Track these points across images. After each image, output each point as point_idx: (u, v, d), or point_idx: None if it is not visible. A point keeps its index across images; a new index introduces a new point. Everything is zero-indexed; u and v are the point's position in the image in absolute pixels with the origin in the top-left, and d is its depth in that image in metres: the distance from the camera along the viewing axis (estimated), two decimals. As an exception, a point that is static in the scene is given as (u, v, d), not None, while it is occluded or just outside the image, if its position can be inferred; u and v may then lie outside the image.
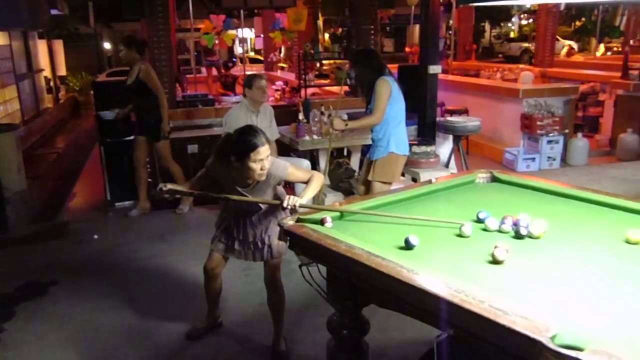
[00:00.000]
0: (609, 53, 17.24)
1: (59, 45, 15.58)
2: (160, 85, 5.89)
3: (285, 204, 2.82)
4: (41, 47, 13.60)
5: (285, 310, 3.48)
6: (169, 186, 3.06)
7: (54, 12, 12.34)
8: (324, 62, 12.03)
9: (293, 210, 2.81)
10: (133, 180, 6.23)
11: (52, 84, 14.67)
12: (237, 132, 2.97)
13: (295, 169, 3.16)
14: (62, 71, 15.84)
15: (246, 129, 2.97)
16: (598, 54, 16.74)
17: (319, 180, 3.11)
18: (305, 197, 2.92)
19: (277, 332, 3.46)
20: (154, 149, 6.12)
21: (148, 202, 6.27)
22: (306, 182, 3.10)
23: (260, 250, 3.28)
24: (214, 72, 13.92)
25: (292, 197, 2.85)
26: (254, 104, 4.78)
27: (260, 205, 3.16)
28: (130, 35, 6.38)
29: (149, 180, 6.53)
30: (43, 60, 13.70)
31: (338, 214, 2.69)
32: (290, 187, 5.56)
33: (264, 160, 2.89)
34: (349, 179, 5.75)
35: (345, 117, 5.72)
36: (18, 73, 10.41)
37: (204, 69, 14.66)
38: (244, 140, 2.87)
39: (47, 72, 14.02)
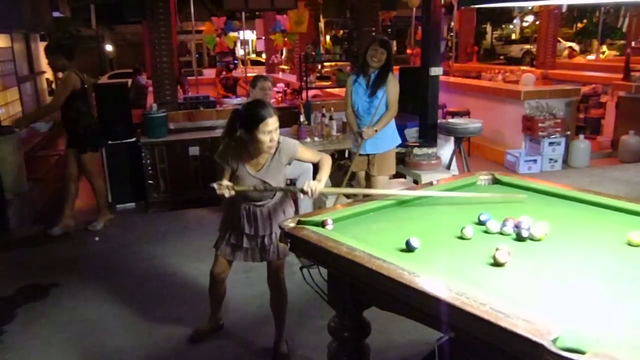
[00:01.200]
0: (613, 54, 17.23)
1: (60, 48, 15.60)
2: (62, 95, 5.37)
3: (305, 188, 2.80)
4: (43, 49, 13.61)
5: (287, 311, 3.47)
6: (226, 182, 2.92)
7: (56, 14, 12.37)
8: (325, 64, 12.07)
9: (312, 196, 2.82)
10: (134, 182, 6.21)
11: (53, 86, 14.68)
12: (245, 106, 3.00)
13: (304, 148, 3.17)
14: (63, 73, 15.86)
15: (254, 102, 3.00)
16: (602, 56, 16.73)
17: (329, 162, 3.12)
18: (323, 180, 2.92)
19: (278, 334, 3.45)
20: (80, 158, 5.63)
21: (72, 220, 5.87)
22: (316, 163, 3.11)
23: (267, 250, 3.24)
24: (224, 73, 13.92)
25: (312, 182, 2.84)
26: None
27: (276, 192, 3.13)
28: (56, 40, 5.93)
29: (150, 182, 6.53)
30: (45, 62, 13.71)
31: (339, 215, 2.67)
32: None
33: (273, 132, 2.91)
34: (350, 181, 5.74)
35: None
36: (20, 75, 10.41)
37: (205, 71, 14.67)
38: (253, 113, 2.89)
39: (48, 74, 14.04)
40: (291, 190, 3.12)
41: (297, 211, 3.23)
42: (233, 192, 2.90)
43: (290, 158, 3.09)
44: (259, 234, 3.21)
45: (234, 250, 3.33)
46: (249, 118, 2.90)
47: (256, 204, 3.18)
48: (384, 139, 4.70)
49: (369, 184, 4.88)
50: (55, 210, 6.92)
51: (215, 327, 3.72)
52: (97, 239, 5.59)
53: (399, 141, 4.92)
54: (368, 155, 4.77)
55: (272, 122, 2.89)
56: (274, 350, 3.44)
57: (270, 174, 3.07)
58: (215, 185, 2.88)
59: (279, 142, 3.01)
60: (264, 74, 8.67)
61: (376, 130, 4.59)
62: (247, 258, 3.32)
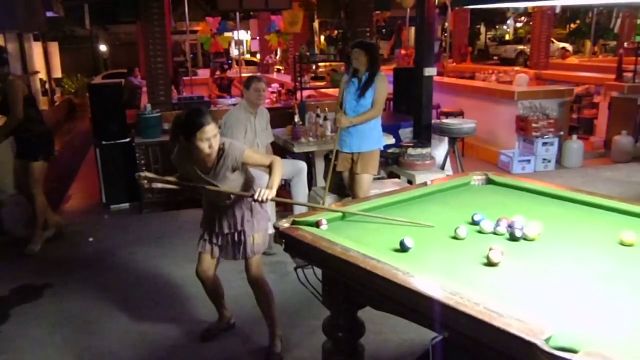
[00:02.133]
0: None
1: (54, 47, 15.57)
2: (18, 102, 4.89)
3: (256, 196, 2.84)
4: (36, 49, 13.59)
5: (276, 309, 3.47)
6: (145, 173, 3.14)
7: (49, 14, 12.33)
8: (319, 64, 12.07)
9: (262, 203, 2.88)
10: (128, 182, 6.13)
11: (47, 86, 14.65)
12: (184, 114, 3.05)
13: (252, 152, 3.22)
14: (57, 73, 15.84)
15: (193, 110, 3.04)
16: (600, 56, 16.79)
17: (280, 165, 3.13)
18: (274, 186, 2.93)
19: (271, 332, 3.45)
20: (29, 167, 5.20)
21: (51, 230, 5.54)
22: (267, 166, 3.12)
23: (238, 247, 3.30)
24: (218, 73, 13.89)
25: (263, 189, 2.86)
26: (251, 106, 4.83)
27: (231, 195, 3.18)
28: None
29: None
30: (38, 62, 13.69)
31: (334, 216, 2.69)
32: (285, 190, 5.56)
33: (211, 138, 2.95)
34: (342, 181, 5.75)
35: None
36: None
37: (200, 71, 14.63)
38: (190, 121, 2.95)
39: (42, 74, 14.01)
40: (242, 195, 3.13)
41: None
42: (158, 185, 3.18)
43: (235, 162, 3.10)
44: (223, 232, 3.28)
45: (211, 247, 3.39)
46: (187, 126, 2.96)
47: (218, 204, 3.26)
48: (368, 139, 4.74)
49: (353, 183, 4.92)
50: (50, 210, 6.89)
51: (225, 326, 3.74)
52: (91, 239, 5.57)
53: (383, 144, 4.97)
54: (352, 154, 4.80)
55: (210, 130, 2.93)
56: (268, 349, 3.44)
57: (220, 177, 3.12)
58: (136, 175, 3.15)
59: (223, 148, 3.05)
60: (258, 74, 8.66)
61: (352, 122, 4.63)
62: (224, 254, 3.40)
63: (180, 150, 3.15)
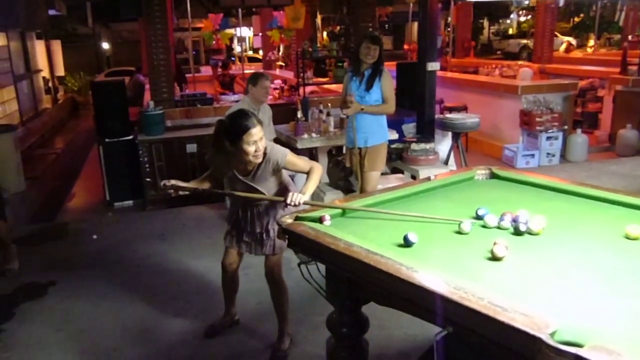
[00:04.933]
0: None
1: (57, 46, 15.58)
2: None
3: (289, 201, 2.81)
4: (39, 48, 13.59)
5: (289, 307, 3.47)
6: (172, 182, 3.07)
7: (51, 12, 12.34)
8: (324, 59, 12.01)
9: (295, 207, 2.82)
10: (131, 180, 6.12)
11: (50, 84, 14.66)
12: (228, 117, 3.01)
13: (294, 157, 3.17)
14: (60, 71, 15.85)
15: (237, 113, 3.00)
16: (589, 50, 16.68)
17: (319, 171, 3.11)
18: (308, 192, 2.91)
19: (280, 328, 3.46)
20: None
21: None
22: (306, 173, 3.10)
23: (264, 244, 3.29)
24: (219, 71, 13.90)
25: (295, 194, 2.84)
26: (255, 102, 4.83)
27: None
28: None
29: (148, 179, 6.52)
30: (41, 60, 13.69)
31: (337, 212, 2.68)
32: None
33: (258, 142, 2.92)
34: (347, 177, 5.74)
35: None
36: (16, 74, 10.40)
37: (203, 68, 14.63)
38: (236, 124, 2.91)
39: (45, 73, 14.01)
40: (274, 199, 3.11)
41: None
42: (182, 193, 3.08)
43: (277, 166, 3.09)
44: (255, 231, 3.28)
45: (238, 242, 3.40)
46: (232, 129, 2.92)
47: (251, 204, 3.24)
48: (372, 133, 4.73)
49: (361, 180, 4.91)
50: (53, 209, 6.94)
51: (230, 323, 3.75)
52: (95, 237, 5.58)
53: (387, 138, 4.96)
54: (360, 149, 4.79)
55: (256, 132, 2.90)
56: (276, 344, 3.45)
57: (258, 180, 3.12)
58: (161, 184, 3.06)
59: (265, 152, 3.02)
60: (261, 71, 8.65)
61: (362, 109, 4.61)
62: (249, 250, 3.39)
63: (217, 152, 3.11)
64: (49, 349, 3.63)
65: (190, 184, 3.18)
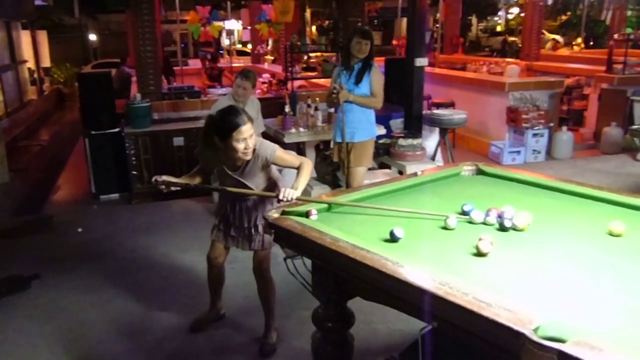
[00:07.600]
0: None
1: (43, 36, 15.40)
2: None
3: (281, 196, 2.78)
4: (25, 38, 13.43)
5: (276, 301, 3.48)
6: (164, 177, 3.04)
7: (38, 2, 12.21)
8: (310, 54, 12.01)
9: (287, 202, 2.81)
10: (117, 172, 6.05)
11: (36, 75, 14.51)
12: (219, 113, 2.98)
13: (284, 152, 3.15)
14: (46, 63, 15.68)
15: (228, 109, 2.98)
16: (576, 48, 16.74)
17: (309, 167, 3.11)
18: (300, 188, 2.89)
19: (267, 323, 3.47)
20: None
21: None
22: (296, 168, 3.08)
23: (253, 239, 3.29)
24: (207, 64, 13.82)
25: (288, 189, 2.82)
26: (237, 96, 4.82)
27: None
28: None
29: (134, 172, 6.48)
30: (27, 51, 13.54)
31: (324, 206, 2.68)
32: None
33: (247, 139, 2.91)
34: (334, 171, 5.75)
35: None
36: (1, 64, 10.28)
37: (191, 61, 14.53)
38: (227, 120, 2.90)
39: (30, 64, 13.85)
40: (267, 195, 3.10)
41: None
42: (174, 188, 3.03)
43: (266, 162, 3.08)
44: (243, 226, 3.27)
45: (225, 236, 3.39)
46: (222, 126, 2.91)
47: (240, 199, 3.23)
48: (360, 129, 4.72)
49: (347, 175, 4.90)
50: (38, 201, 6.87)
51: (215, 317, 3.74)
52: (80, 230, 5.54)
53: (375, 134, 4.93)
54: (347, 144, 4.78)
55: (246, 130, 2.89)
56: (263, 338, 3.45)
57: (247, 175, 3.11)
58: (153, 179, 3.04)
59: (255, 148, 3.01)
60: (249, 64, 8.60)
61: (351, 98, 4.60)
62: (237, 245, 3.38)
63: (206, 147, 3.09)
64: (33, 341, 3.60)
65: (182, 180, 3.15)
